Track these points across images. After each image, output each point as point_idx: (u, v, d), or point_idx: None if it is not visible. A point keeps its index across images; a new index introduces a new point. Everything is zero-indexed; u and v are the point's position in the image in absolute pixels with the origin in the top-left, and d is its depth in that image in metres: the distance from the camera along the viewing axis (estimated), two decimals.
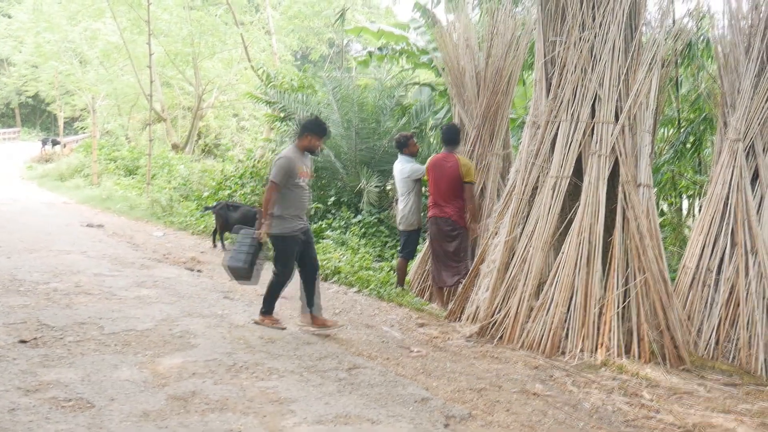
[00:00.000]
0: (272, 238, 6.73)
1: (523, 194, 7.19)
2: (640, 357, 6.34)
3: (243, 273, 6.79)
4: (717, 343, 6.97)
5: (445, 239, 8.40)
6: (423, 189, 9.72)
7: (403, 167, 9.24)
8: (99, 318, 6.54)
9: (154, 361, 5.42)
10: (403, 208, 9.24)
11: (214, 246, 12.10)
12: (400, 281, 9.28)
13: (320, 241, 12.17)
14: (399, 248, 9.61)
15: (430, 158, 8.73)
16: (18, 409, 4.22)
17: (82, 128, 40.54)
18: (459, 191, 8.38)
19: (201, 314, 7.02)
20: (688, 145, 11.24)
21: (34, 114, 56.63)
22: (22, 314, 6.46)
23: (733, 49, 7.69)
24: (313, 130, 6.75)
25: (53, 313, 6.57)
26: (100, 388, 4.72)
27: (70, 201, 19.80)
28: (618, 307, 6.47)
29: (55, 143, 33.57)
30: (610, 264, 6.64)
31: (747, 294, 6.97)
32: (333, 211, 13.72)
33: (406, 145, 9.24)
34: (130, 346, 5.77)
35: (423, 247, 9.64)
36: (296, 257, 6.81)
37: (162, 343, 5.89)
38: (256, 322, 6.82)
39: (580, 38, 7.04)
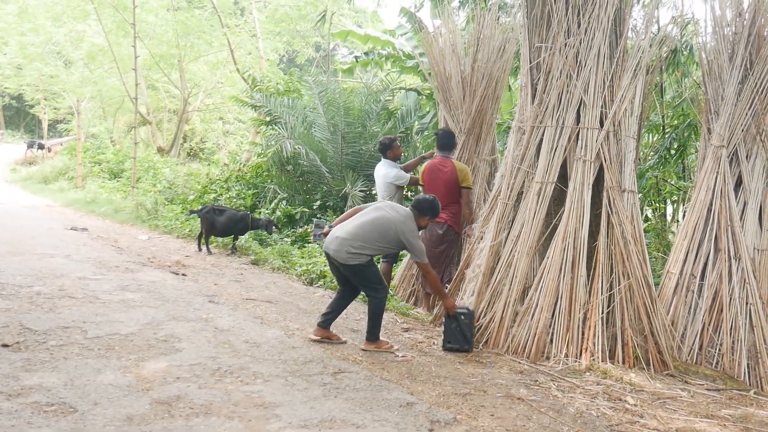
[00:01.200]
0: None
1: (508, 199, 7.21)
2: (624, 362, 6.37)
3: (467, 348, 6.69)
4: (700, 348, 7.02)
5: (436, 244, 8.38)
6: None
7: (387, 172, 8.99)
8: (83, 322, 6.50)
9: (138, 365, 5.39)
10: None
11: (200, 250, 12.05)
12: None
13: (305, 245, 12.17)
14: None
15: (424, 164, 8.70)
16: (0, 414, 4.19)
17: (66, 131, 40.32)
18: (455, 196, 8.38)
19: (186, 318, 6.99)
20: (672, 151, 11.32)
21: (18, 116, 56.22)
22: (4, 318, 6.41)
23: (717, 56, 7.75)
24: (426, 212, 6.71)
25: (36, 317, 6.52)
26: (84, 392, 4.69)
27: (54, 204, 19.68)
28: (602, 312, 6.50)
29: (40, 147, 33.28)
30: (594, 269, 6.67)
31: (730, 299, 7.02)
32: (319, 215, 13.70)
33: (390, 148, 9.07)
34: (113, 350, 5.73)
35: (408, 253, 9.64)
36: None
37: (146, 347, 5.86)
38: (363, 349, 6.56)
39: (566, 44, 7.07)
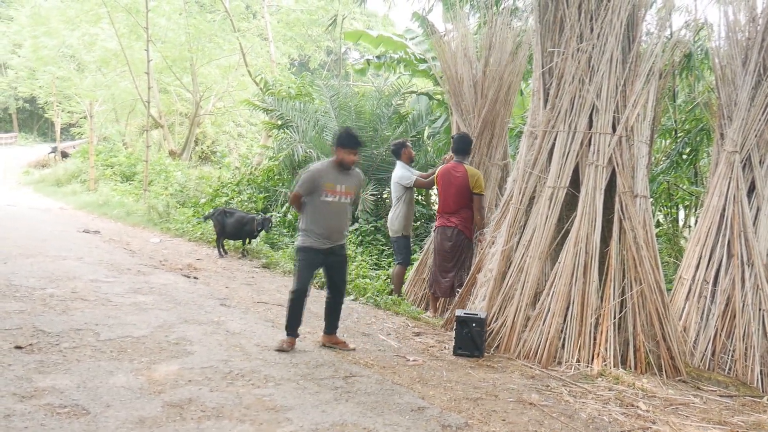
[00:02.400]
0: (295, 249, 6.75)
1: (520, 204, 7.20)
2: (636, 368, 6.35)
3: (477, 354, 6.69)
4: (713, 354, 6.98)
5: (448, 249, 8.38)
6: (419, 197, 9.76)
7: (395, 172, 9.34)
8: (95, 324, 6.53)
9: (150, 367, 5.41)
10: (391, 214, 9.33)
11: (221, 256, 12.03)
12: (396, 289, 9.30)
13: None
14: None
15: (439, 168, 8.71)
16: (13, 416, 4.21)
17: (79, 134, 40.52)
18: (467, 201, 8.38)
19: (197, 321, 7.01)
20: (684, 156, 11.27)
21: (32, 119, 56.62)
22: (18, 320, 6.45)
23: (730, 61, 7.73)
24: (341, 142, 6.39)
25: (49, 319, 6.56)
26: (96, 394, 4.71)
27: (66, 206, 19.77)
28: (614, 318, 6.47)
29: (64, 155, 33.22)
30: (606, 274, 6.65)
31: (743, 305, 6.98)
32: None
33: (400, 153, 9.31)
34: (126, 352, 5.76)
35: (420, 257, 9.65)
36: (325, 277, 6.76)
37: (158, 350, 5.88)
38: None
39: (578, 49, 7.06)
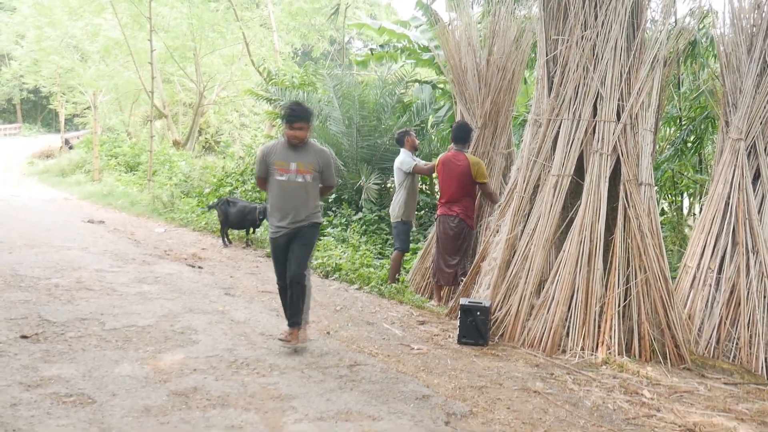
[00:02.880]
0: None
1: (524, 192, 7.18)
2: (640, 356, 6.35)
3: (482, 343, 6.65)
4: (718, 342, 6.97)
5: (450, 238, 8.38)
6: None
7: (398, 158, 9.43)
8: (100, 314, 6.55)
9: (156, 357, 5.43)
10: (393, 199, 9.38)
11: (225, 245, 12.07)
12: (392, 275, 9.31)
13: (321, 238, 12.18)
14: None
15: (440, 156, 8.71)
16: (19, 404, 4.23)
17: (83, 123, 40.56)
18: (468, 190, 8.38)
19: (202, 310, 7.02)
20: (689, 144, 11.24)
21: (36, 110, 56.65)
22: (23, 309, 6.47)
23: (735, 48, 7.69)
24: (282, 117, 6.00)
25: (54, 309, 6.58)
26: (102, 383, 4.73)
27: (71, 197, 19.81)
28: (619, 306, 6.47)
29: (69, 145, 33.40)
30: (611, 263, 6.64)
31: (748, 293, 6.97)
32: (334, 209, 13.74)
33: (403, 142, 9.37)
34: (131, 342, 5.77)
35: (423, 245, 9.65)
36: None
37: (163, 339, 5.90)
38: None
39: (582, 37, 7.03)
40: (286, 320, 6.11)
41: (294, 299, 5.98)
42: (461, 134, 8.51)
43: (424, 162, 9.55)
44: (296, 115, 5.86)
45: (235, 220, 11.96)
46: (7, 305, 6.59)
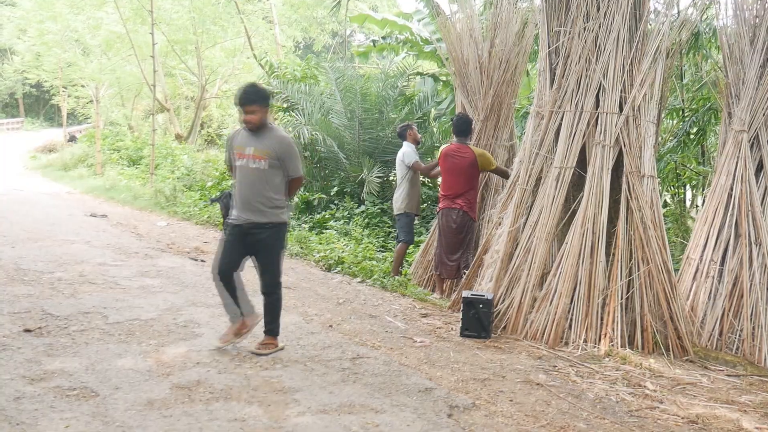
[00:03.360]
0: None
1: (526, 185, 7.17)
2: (643, 348, 6.35)
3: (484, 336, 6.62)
4: (720, 334, 6.97)
5: (453, 231, 8.36)
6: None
7: (400, 151, 9.49)
8: (103, 307, 6.56)
9: (159, 350, 5.44)
10: (395, 192, 9.42)
11: None
12: (395, 267, 9.33)
13: (324, 231, 12.19)
14: None
15: (442, 148, 8.69)
16: (23, 398, 4.24)
17: (84, 116, 40.57)
18: (473, 183, 8.37)
19: (205, 304, 7.03)
20: (692, 136, 11.22)
21: (38, 104, 56.64)
22: (26, 303, 6.49)
23: (738, 39, 7.66)
24: (234, 100, 5.63)
25: (57, 303, 6.59)
26: (105, 377, 4.74)
27: (73, 191, 19.81)
28: (621, 298, 6.47)
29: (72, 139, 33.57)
30: (613, 255, 6.63)
31: (751, 285, 6.97)
32: (336, 202, 13.74)
33: (405, 135, 9.42)
34: (134, 335, 5.78)
35: (426, 238, 9.65)
36: (234, 257, 5.67)
37: (166, 333, 5.91)
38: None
39: (585, 28, 7.01)
40: (229, 317, 5.79)
41: (270, 308, 5.71)
42: (464, 126, 8.50)
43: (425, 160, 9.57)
44: (247, 98, 5.47)
45: None
46: (10, 299, 6.60)
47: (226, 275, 5.64)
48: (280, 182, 5.64)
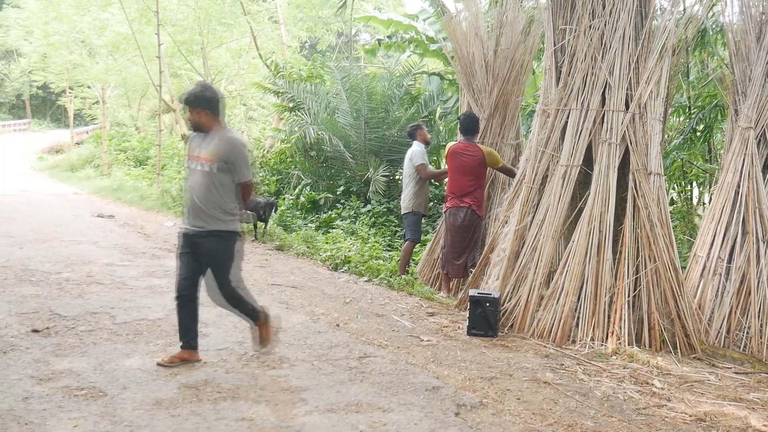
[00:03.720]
0: None
1: (533, 183, 7.16)
2: (650, 345, 6.34)
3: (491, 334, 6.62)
4: (728, 331, 6.96)
5: (461, 230, 8.35)
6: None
7: (410, 150, 9.48)
8: (111, 307, 6.58)
9: (166, 350, 5.45)
10: (403, 191, 9.46)
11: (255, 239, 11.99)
12: (402, 266, 9.33)
13: (330, 230, 12.20)
14: None
15: (449, 146, 8.67)
16: (31, 398, 4.26)
17: (90, 117, 40.68)
18: (481, 181, 8.38)
19: (212, 304, 7.02)
20: (698, 133, 11.19)
21: (45, 105, 56.77)
22: (34, 304, 6.51)
23: (744, 36, 7.64)
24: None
25: (65, 303, 6.61)
26: (113, 377, 4.75)
27: (80, 191, 19.89)
28: (628, 296, 6.45)
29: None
30: (620, 253, 6.62)
31: (758, 283, 6.95)
32: (343, 201, 13.75)
33: (415, 135, 9.43)
34: (141, 335, 5.80)
35: (432, 237, 9.65)
36: (191, 272, 5.36)
37: (173, 333, 5.90)
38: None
39: (590, 26, 7.00)
40: (180, 339, 5.35)
41: (234, 307, 5.51)
42: (471, 125, 8.48)
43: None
44: (187, 99, 5.26)
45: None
46: (18, 300, 6.63)
47: (184, 294, 5.32)
48: (230, 187, 5.31)
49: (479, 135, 8.77)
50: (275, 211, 12.21)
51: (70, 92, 34.57)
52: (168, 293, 7.31)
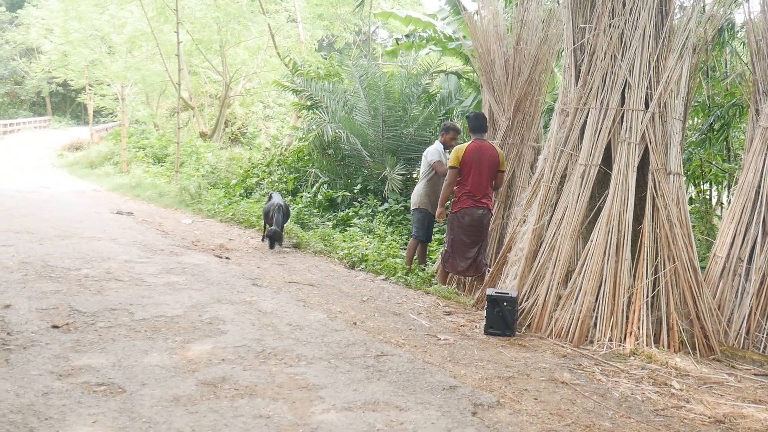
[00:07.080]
0: None
1: (551, 182, 7.14)
2: (669, 346, 6.30)
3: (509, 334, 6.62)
4: (747, 332, 6.90)
5: (477, 230, 8.30)
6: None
7: (429, 147, 9.52)
8: (129, 304, 6.61)
9: (184, 346, 5.47)
10: (416, 187, 9.57)
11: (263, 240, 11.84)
12: (407, 262, 9.35)
13: (347, 228, 12.21)
14: None
15: (462, 147, 8.52)
16: (51, 393, 4.28)
17: (109, 113, 40.98)
18: (492, 180, 8.35)
19: (230, 301, 7.06)
20: (716, 132, 11.09)
21: (65, 103, 57.26)
22: (54, 300, 6.55)
23: (765, 35, 7.57)
24: None
25: (84, 299, 6.65)
26: (131, 373, 4.77)
27: (100, 188, 20.02)
28: (647, 296, 6.42)
29: None
30: (639, 252, 6.59)
31: None
32: (360, 199, 13.76)
33: (442, 133, 9.46)
34: (160, 332, 5.82)
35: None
36: None
37: (192, 329, 5.94)
38: None
39: (610, 24, 6.96)
40: None
41: None
42: (481, 122, 8.42)
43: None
44: None
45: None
46: (38, 295, 6.67)
47: None
48: None
49: (500, 134, 8.75)
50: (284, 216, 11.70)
51: (89, 89, 34.79)
52: (185, 290, 7.36)
